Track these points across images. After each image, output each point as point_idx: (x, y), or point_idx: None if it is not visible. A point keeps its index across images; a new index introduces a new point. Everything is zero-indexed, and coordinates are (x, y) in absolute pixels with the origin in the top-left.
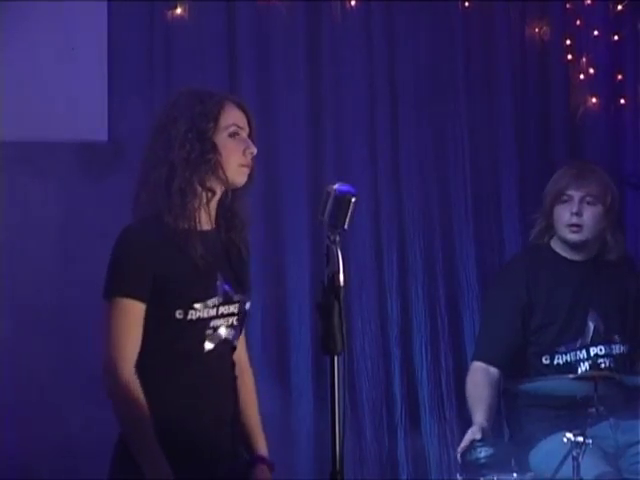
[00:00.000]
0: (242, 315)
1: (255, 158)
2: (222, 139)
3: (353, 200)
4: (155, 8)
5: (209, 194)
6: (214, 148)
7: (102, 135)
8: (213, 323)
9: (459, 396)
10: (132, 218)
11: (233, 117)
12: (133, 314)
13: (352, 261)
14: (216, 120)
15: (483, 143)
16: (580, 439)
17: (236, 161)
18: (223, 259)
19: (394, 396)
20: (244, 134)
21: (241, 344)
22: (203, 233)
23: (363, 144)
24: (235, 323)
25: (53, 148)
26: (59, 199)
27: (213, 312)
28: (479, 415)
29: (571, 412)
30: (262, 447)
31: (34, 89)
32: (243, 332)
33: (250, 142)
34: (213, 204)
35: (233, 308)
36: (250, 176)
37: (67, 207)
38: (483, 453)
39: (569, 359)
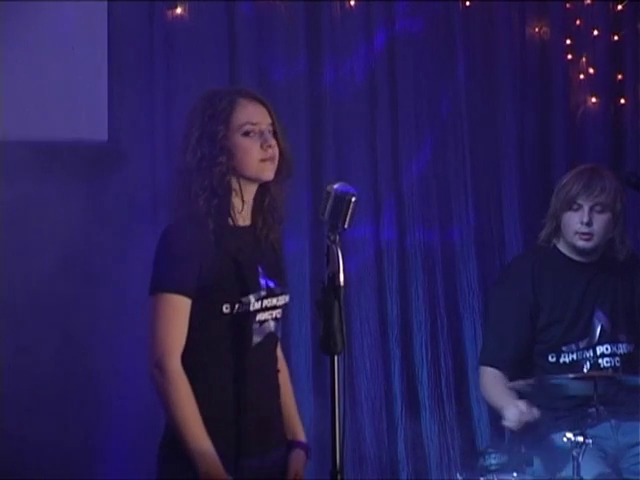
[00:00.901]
0: (284, 308)
1: (284, 148)
2: (236, 139)
3: (353, 200)
4: (155, 8)
5: (232, 194)
6: (224, 150)
7: (102, 135)
8: (259, 316)
9: (459, 396)
10: (171, 219)
11: (246, 115)
12: (179, 309)
13: (352, 261)
14: (227, 121)
15: (483, 143)
16: (580, 439)
17: (255, 158)
18: (262, 254)
19: (394, 395)
20: (262, 127)
21: None
22: (239, 229)
23: (363, 143)
24: (279, 316)
25: (53, 148)
26: (58, 199)
27: (258, 305)
28: (511, 398)
29: (571, 412)
30: (299, 433)
31: (34, 89)
32: None
33: (267, 135)
34: (247, 201)
35: (276, 301)
36: (282, 168)
37: (67, 207)
38: (495, 460)
39: (575, 358)
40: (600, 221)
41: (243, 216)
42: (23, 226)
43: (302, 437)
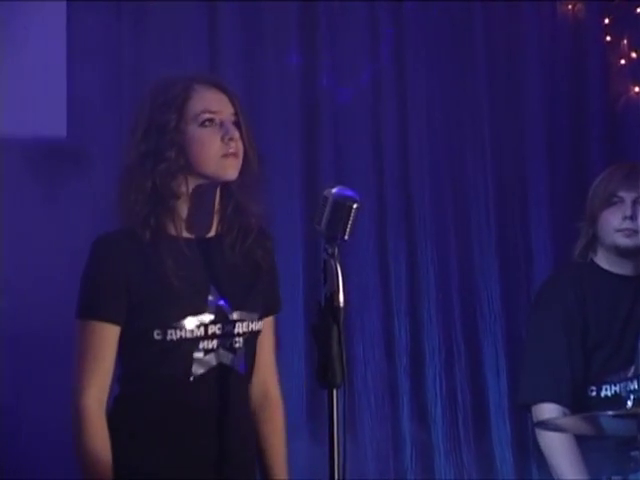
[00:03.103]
0: (249, 336)
1: (250, 143)
2: (192, 131)
3: (355, 207)
4: None
5: (178, 199)
6: (173, 143)
7: (60, 130)
8: (204, 345)
9: (478, 437)
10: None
11: (203, 103)
12: (104, 338)
13: (353, 277)
14: (180, 110)
15: (508, 139)
16: None
17: (215, 153)
18: (223, 271)
19: (403, 436)
20: (223, 117)
21: (267, 369)
22: (189, 241)
23: (366, 143)
24: (237, 345)
25: (7, 144)
26: (13, 198)
27: (200, 332)
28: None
29: (612, 454)
30: None
31: None
32: (269, 356)
33: (229, 127)
34: (206, 208)
35: (231, 328)
36: (247, 167)
37: (22, 207)
38: None
39: (618, 390)
40: None
41: (207, 226)
42: None
43: None
